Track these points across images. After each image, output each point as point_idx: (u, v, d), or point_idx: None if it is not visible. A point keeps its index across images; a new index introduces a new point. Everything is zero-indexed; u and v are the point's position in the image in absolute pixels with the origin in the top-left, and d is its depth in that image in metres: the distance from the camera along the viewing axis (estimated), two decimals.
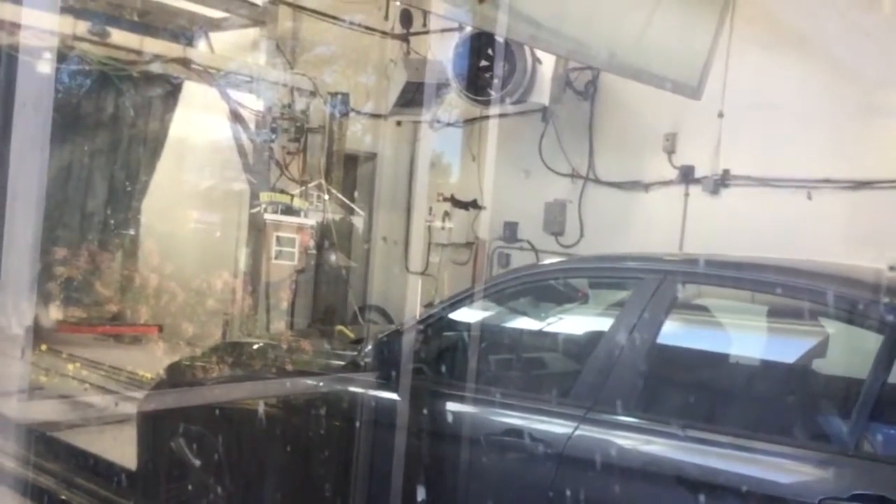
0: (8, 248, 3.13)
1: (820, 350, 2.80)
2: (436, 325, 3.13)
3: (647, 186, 6.58)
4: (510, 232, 7.32)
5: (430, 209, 7.58)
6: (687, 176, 6.31)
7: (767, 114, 5.75)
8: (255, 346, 4.22)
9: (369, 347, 3.18)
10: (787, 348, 2.87)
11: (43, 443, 4.43)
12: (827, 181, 5.59)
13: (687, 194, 6.32)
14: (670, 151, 6.42)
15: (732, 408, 2.66)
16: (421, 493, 2.78)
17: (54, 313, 6.46)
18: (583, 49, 4.95)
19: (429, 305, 6.02)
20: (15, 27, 4.22)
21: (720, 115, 6.00)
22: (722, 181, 6.11)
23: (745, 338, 3.01)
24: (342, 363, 3.35)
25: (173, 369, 4.05)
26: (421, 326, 3.10)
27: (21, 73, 4.04)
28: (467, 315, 3.18)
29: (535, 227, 7.15)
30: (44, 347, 5.97)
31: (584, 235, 6.92)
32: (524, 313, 3.47)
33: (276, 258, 6.59)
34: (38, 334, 5.92)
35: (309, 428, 3.24)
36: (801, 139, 5.64)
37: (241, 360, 3.90)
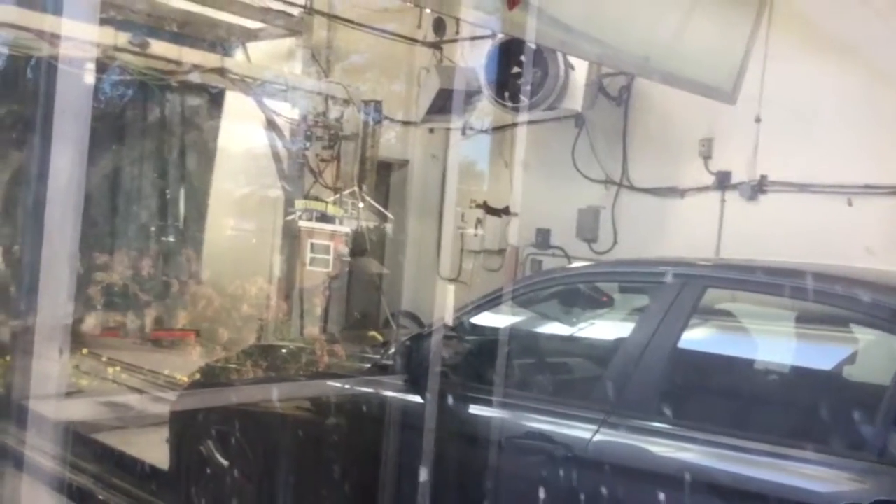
0: (48, 253, 3.23)
1: (850, 357, 2.73)
2: (458, 329, 3.13)
3: (682, 192, 6.50)
4: (543, 238, 7.28)
5: (463, 216, 7.58)
6: (723, 182, 6.22)
7: (806, 118, 5.64)
8: (285, 350, 4.27)
9: (392, 350, 3.21)
10: (816, 354, 2.81)
11: (81, 443, 4.53)
12: (868, 187, 5.46)
13: (724, 200, 6.22)
14: (706, 157, 6.33)
15: (756, 414, 2.61)
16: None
17: (95, 318, 6.61)
18: (616, 54, 4.91)
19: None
20: (55, 38, 4.36)
21: (757, 119, 5.90)
22: (759, 187, 6.01)
23: (771, 343, 2.95)
24: (368, 366, 3.38)
25: (205, 372, 4.13)
26: (444, 330, 3.12)
27: (60, 82, 4.15)
28: (490, 319, 3.17)
29: (567, 233, 7.10)
30: (84, 351, 6.12)
31: (617, 242, 6.86)
32: (547, 317, 3.45)
33: (311, 265, 6.64)
34: (78, 338, 6.07)
35: (331, 429, 3.27)
36: (840, 144, 5.51)
37: (271, 362, 3.96)
